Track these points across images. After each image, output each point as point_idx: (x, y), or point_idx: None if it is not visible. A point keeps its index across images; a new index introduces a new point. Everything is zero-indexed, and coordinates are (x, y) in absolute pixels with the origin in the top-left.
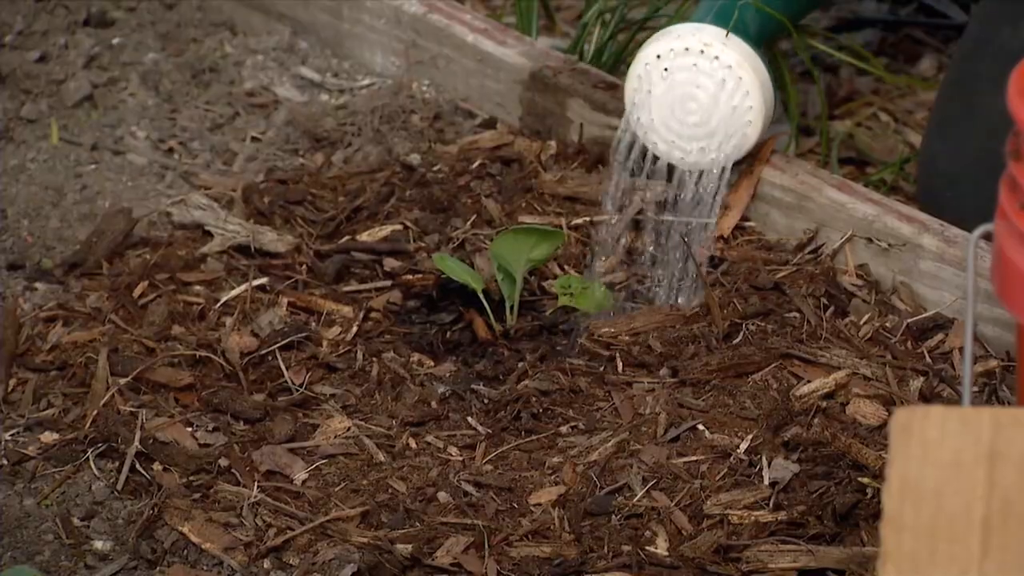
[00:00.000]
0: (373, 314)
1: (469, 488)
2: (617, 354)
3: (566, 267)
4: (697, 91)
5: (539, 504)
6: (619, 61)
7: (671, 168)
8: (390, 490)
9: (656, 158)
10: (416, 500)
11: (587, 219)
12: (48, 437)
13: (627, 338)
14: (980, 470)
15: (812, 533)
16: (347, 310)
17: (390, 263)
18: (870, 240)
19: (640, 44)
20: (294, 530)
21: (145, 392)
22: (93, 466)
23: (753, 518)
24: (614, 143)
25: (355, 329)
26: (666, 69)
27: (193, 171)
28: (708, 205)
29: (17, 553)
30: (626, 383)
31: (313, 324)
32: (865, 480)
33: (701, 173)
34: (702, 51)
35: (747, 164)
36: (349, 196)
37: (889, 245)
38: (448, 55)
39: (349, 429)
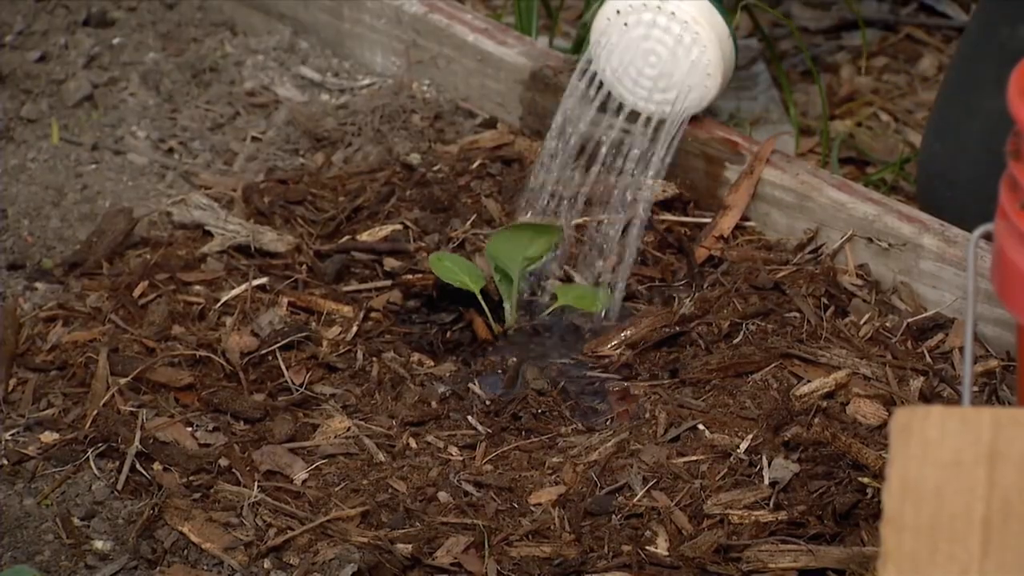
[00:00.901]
0: (373, 314)
1: (469, 488)
2: (615, 360)
3: (566, 267)
4: (656, 46)
5: (539, 504)
6: None
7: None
8: (390, 490)
9: (621, 106)
10: (416, 500)
11: (588, 218)
12: (48, 437)
13: (623, 349)
14: (980, 470)
15: (812, 533)
16: (347, 310)
17: (390, 263)
18: (870, 240)
19: None
20: (294, 530)
21: (145, 392)
22: (93, 466)
23: (753, 518)
24: (573, 81)
25: (355, 329)
26: (625, 24)
27: (193, 171)
28: (655, 163)
29: (17, 553)
30: (624, 388)
31: (313, 324)
32: (865, 480)
33: (659, 124)
34: (659, 7)
35: (747, 164)
36: (349, 196)
37: (889, 245)
38: (448, 55)
39: (349, 429)
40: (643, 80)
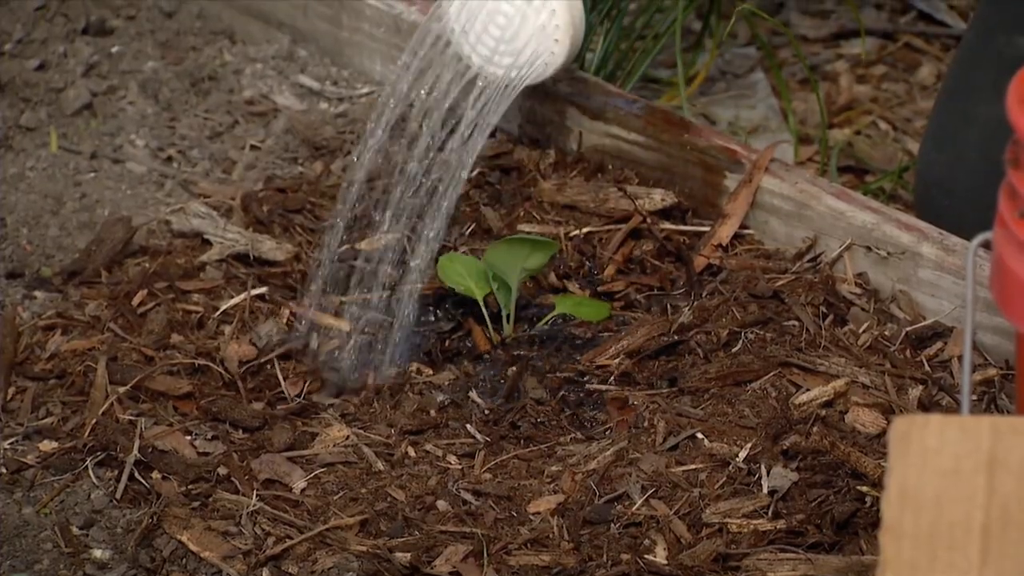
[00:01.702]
0: None
1: (468, 496)
2: (613, 369)
3: (564, 279)
4: (504, 4)
5: (538, 512)
6: (619, 69)
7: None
8: (389, 498)
9: (469, 68)
10: (415, 508)
11: (586, 229)
12: (47, 445)
13: (622, 358)
14: (979, 478)
15: (811, 542)
16: (345, 319)
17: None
18: (869, 248)
19: (640, 52)
20: (293, 538)
21: (144, 401)
22: (92, 475)
23: (752, 527)
24: (426, 25)
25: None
26: None
27: (192, 179)
28: (482, 128)
29: (16, 562)
30: (623, 397)
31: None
32: (864, 488)
33: (505, 87)
34: None
35: (746, 172)
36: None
37: (888, 253)
38: None
39: (348, 438)
40: (487, 39)
